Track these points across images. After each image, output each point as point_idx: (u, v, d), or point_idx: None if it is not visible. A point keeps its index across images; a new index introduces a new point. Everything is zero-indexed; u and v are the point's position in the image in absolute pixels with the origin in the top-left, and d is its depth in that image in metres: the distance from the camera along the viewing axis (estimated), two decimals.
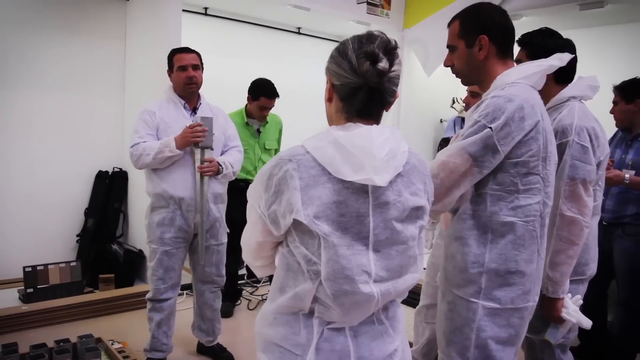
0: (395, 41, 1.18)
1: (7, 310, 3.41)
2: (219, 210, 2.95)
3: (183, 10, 4.15)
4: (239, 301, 4.05)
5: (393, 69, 1.15)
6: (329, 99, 1.23)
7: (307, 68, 5.61)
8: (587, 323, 1.82)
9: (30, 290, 3.68)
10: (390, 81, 1.17)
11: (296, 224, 1.13)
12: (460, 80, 1.72)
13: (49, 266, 3.79)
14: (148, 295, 2.89)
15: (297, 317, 1.20)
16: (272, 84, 3.74)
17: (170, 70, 2.87)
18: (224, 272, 3.06)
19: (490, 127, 1.49)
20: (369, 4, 5.07)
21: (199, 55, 2.89)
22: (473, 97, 2.57)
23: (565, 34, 2.01)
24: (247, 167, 3.73)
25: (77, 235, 4.44)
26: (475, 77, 1.67)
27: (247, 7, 4.94)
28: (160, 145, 2.68)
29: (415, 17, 5.36)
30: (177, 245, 2.84)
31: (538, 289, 1.64)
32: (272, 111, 3.88)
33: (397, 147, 1.17)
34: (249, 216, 1.26)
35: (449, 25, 1.69)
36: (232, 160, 2.91)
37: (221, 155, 2.93)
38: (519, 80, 1.57)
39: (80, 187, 4.46)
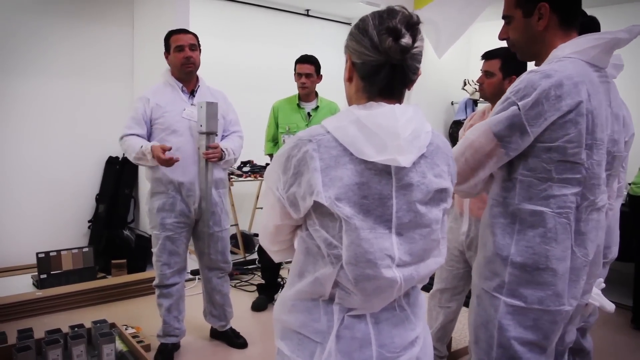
0: (417, 16, 1.14)
1: (21, 296, 3.43)
2: (219, 195, 2.92)
3: None
4: (275, 299, 3.85)
5: (416, 44, 1.11)
6: (348, 79, 1.19)
7: (316, 50, 5.52)
8: (610, 307, 1.78)
9: (43, 276, 3.70)
10: (413, 58, 1.12)
11: (316, 206, 1.09)
12: (517, 55, 1.55)
13: (62, 252, 3.80)
14: (155, 282, 2.88)
15: (317, 303, 1.17)
16: (307, 54, 3.67)
17: (167, 52, 2.81)
18: (229, 258, 3.05)
19: (518, 105, 1.36)
20: None
21: (196, 36, 2.84)
22: (487, 77, 2.50)
23: None
24: None
25: (89, 221, 4.45)
26: (533, 51, 1.49)
27: None
28: (139, 151, 2.63)
29: None
30: (179, 229, 2.82)
31: (576, 292, 1.45)
32: (331, 97, 3.86)
33: (421, 127, 1.13)
34: (266, 200, 1.23)
35: None
36: (234, 147, 2.88)
37: (221, 140, 2.90)
38: (571, 55, 1.40)
39: (91, 173, 4.47)
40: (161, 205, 2.78)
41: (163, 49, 2.86)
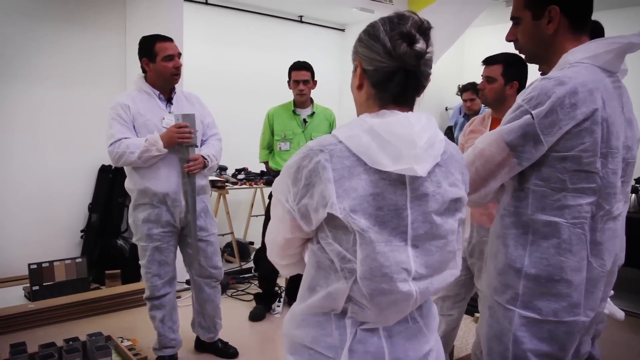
0: (428, 21, 1.11)
1: (13, 308, 3.36)
2: (203, 201, 2.86)
3: (184, 0, 4.07)
4: (273, 308, 3.83)
5: (428, 50, 1.08)
6: (358, 86, 1.15)
7: (309, 56, 5.51)
8: (619, 314, 1.76)
9: (36, 287, 3.62)
10: (426, 64, 1.10)
11: (329, 218, 1.06)
12: (524, 58, 1.51)
13: (54, 263, 3.73)
14: (145, 295, 2.82)
15: (328, 317, 1.13)
16: (300, 61, 3.65)
17: (149, 60, 2.67)
18: (220, 264, 2.97)
19: (532, 114, 1.31)
20: None
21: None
22: (489, 83, 2.49)
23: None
24: (291, 155, 3.64)
25: (82, 231, 4.38)
26: (541, 54, 1.45)
27: None
28: (147, 143, 2.56)
29: (420, 4, 5.25)
30: (167, 238, 2.76)
31: (593, 303, 1.41)
32: (325, 104, 3.85)
33: (435, 135, 1.10)
34: (274, 211, 1.19)
35: None
36: (215, 152, 2.82)
37: (201, 145, 2.84)
38: (583, 60, 1.35)
39: (83, 181, 4.40)
40: (146, 217, 2.71)
41: None
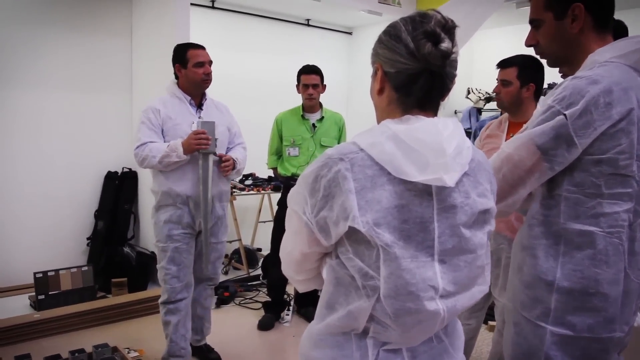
0: (452, 19, 1.04)
1: (19, 318, 3.30)
2: (223, 209, 2.90)
3: (190, 4, 4.01)
4: (282, 317, 3.75)
5: (454, 49, 1.01)
6: (379, 90, 1.08)
7: (317, 60, 5.46)
8: None
9: (41, 296, 3.57)
10: (452, 64, 1.03)
11: (350, 232, 0.99)
12: (547, 62, 1.45)
13: (60, 271, 3.68)
14: (162, 299, 2.80)
15: (348, 337, 1.06)
16: (310, 64, 3.60)
17: (181, 66, 2.75)
18: (219, 270, 3.05)
19: (565, 114, 1.23)
20: None
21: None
22: (504, 86, 2.42)
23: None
24: (300, 161, 3.61)
25: (88, 239, 4.33)
26: (566, 56, 1.38)
27: None
28: (168, 149, 2.61)
29: (428, 6, 5.20)
30: (186, 240, 2.77)
31: (629, 317, 1.33)
32: (332, 108, 3.80)
33: (463, 142, 1.03)
34: (290, 224, 1.12)
35: None
36: (241, 157, 2.89)
37: (227, 152, 2.88)
38: (613, 59, 1.28)
39: (89, 188, 4.35)
40: (168, 218, 2.73)
41: (162, 60, 2.82)
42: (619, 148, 1.23)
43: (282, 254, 1.17)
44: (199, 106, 2.82)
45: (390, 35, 1.04)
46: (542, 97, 2.46)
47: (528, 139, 1.29)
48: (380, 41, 1.08)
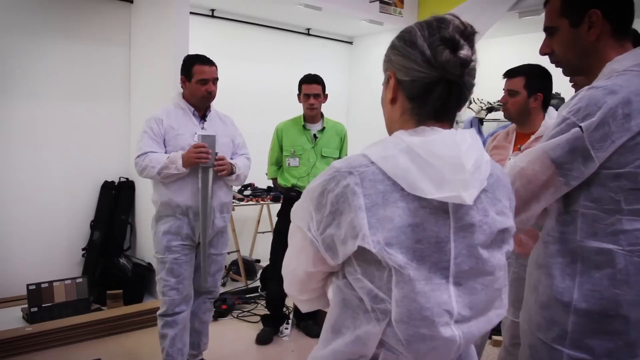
0: (471, 25, 0.97)
1: (10, 332, 3.20)
2: (224, 220, 2.87)
3: (190, 13, 3.96)
4: (281, 331, 3.66)
5: (473, 57, 0.95)
6: (392, 100, 1.01)
7: (317, 70, 5.42)
8: None
9: (34, 309, 3.48)
10: (470, 73, 0.97)
11: (359, 252, 0.91)
12: (562, 71, 1.39)
13: (54, 283, 3.59)
14: (160, 311, 2.73)
15: None
16: (312, 74, 3.54)
17: (186, 78, 2.72)
18: (219, 283, 3.00)
19: (581, 127, 1.17)
20: (381, 2, 4.87)
21: (216, 66, 2.77)
22: (511, 97, 2.36)
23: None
24: (300, 172, 3.53)
25: (83, 249, 4.24)
26: (582, 65, 1.32)
27: (256, 8, 4.75)
28: (167, 160, 2.59)
29: (430, 15, 5.16)
30: (185, 251, 2.73)
31: None
32: (332, 118, 3.74)
33: (482, 156, 0.96)
34: (293, 240, 1.04)
35: (546, 3, 1.35)
36: (242, 164, 2.85)
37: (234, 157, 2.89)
38: (633, 68, 1.21)
39: (86, 198, 4.26)
40: (167, 229, 2.69)
41: (161, 69, 2.78)
42: (639, 162, 1.16)
43: (285, 272, 1.10)
44: (203, 117, 2.78)
45: (404, 41, 0.98)
46: (550, 108, 2.41)
47: (542, 152, 1.23)
48: (393, 47, 1.01)
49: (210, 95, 2.73)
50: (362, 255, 0.92)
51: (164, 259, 2.69)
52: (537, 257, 1.34)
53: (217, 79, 2.75)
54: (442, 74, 0.93)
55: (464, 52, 0.93)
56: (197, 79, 2.68)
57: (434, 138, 0.93)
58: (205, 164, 2.62)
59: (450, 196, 0.89)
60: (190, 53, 3.79)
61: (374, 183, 0.91)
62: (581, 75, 1.38)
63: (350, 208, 0.90)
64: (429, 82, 0.95)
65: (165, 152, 2.67)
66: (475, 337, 0.97)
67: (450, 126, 1.00)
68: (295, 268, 1.05)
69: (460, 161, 0.90)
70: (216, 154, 2.67)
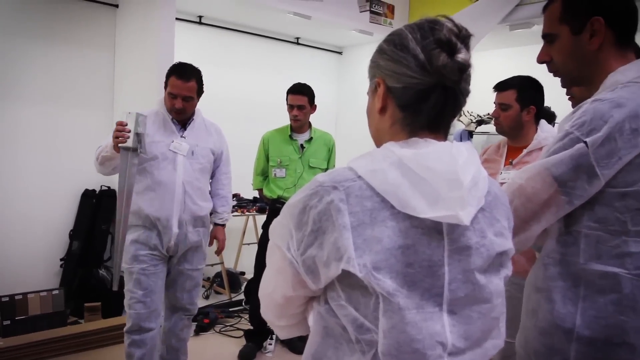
0: (466, 28, 0.90)
1: None
2: (198, 235, 2.72)
3: (176, 19, 3.88)
4: (264, 347, 3.55)
5: (470, 61, 0.88)
6: (381, 109, 0.93)
7: (306, 79, 5.35)
8: None
9: (7, 322, 3.34)
10: (467, 79, 0.89)
11: (343, 275, 0.83)
12: (560, 81, 1.33)
13: (29, 295, 3.46)
14: (127, 327, 2.61)
15: None
16: (300, 83, 3.46)
17: (165, 86, 2.62)
18: (196, 300, 2.86)
19: (585, 142, 1.10)
20: (372, 12, 4.83)
21: (198, 81, 2.61)
22: (503, 110, 2.29)
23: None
24: (287, 183, 3.44)
25: (61, 260, 4.10)
26: (582, 75, 1.25)
27: (244, 16, 4.69)
28: (104, 144, 2.51)
29: None
30: (154, 262, 2.60)
31: None
32: (321, 128, 3.67)
33: (479, 172, 0.88)
34: (271, 260, 0.95)
35: (545, 8, 1.28)
36: (228, 205, 2.96)
37: (212, 177, 2.85)
38: (637, 80, 1.15)
39: (65, 206, 4.13)
40: (135, 238, 2.58)
41: (146, 75, 2.73)
42: None
43: (262, 294, 1.01)
44: (184, 125, 2.67)
45: (394, 45, 0.90)
46: (542, 121, 2.35)
47: (543, 168, 1.15)
48: (381, 51, 0.93)
49: (179, 112, 2.59)
50: (347, 280, 0.83)
51: (131, 269, 2.58)
52: (536, 280, 1.26)
53: (190, 97, 2.58)
54: (437, 79, 0.86)
55: (462, 55, 0.86)
56: (169, 91, 2.57)
57: (427, 150, 0.85)
58: (124, 145, 2.37)
59: (446, 215, 0.81)
60: (175, 60, 3.72)
61: (361, 200, 0.82)
62: (580, 85, 1.33)
63: (334, 227, 0.82)
64: (423, 89, 0.87)
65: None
66: None
67: (445, 138, 0.92)
68: (273, 291, 0.96)
69: (456, 176, 0.82)
70: (141, 135, 2.39)
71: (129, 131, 2.37)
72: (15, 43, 3.77)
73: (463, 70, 0.86)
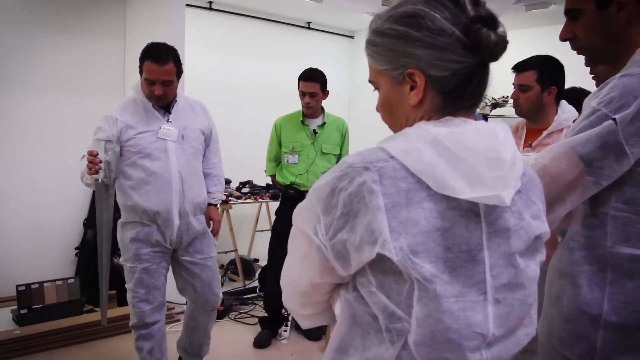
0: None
1: None
2: (200, 222, 2.64)
3: (186, 5, 3.85)
4: (279, 334, 3.55)
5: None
6: (419, 102, 0.85)
7: (317, 64, 5.30)
8: None
9: (24, 311, 3.35)
10: None
11: (376, 260, 0.78)
12: (585, 59, 1.26)
13: (45, 284, 3.47)
14: (132, 322, 2.59)
15: None
16: (312, 69, 3.38)
17: (140, 71, 2.42)
18: (218, 289, 2.73)
19: (614, 119, 1.04)
20: None
21: (176, 61, 2.42)
22: (523, 92, 2.23)
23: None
24: (299, 169, 3.39)
25: (76, 249, 4.12)
26: (609, 51, 1.19)
27: (255, 1, 4.63)
28: (83, 168, 2.36)
29: None
30: (157, 260, 2.54)
31: None
32: (339, 113, 3.64)
33: (515, 152, 0.83)
34: (295, 247, 0.91)
35: None
36: (220, 186, 2.84)
37: (204, 158, 2.71)
38: None
39: (79, 195, 4.13)
40: (135, 235, 2.50)
41: None
42: None
43: (284, 282, 0.96)
44: (167, 109, 2.51)
45: (428, 29, 0.80)
46: (563, 101, 2.28)
47: (568, 148, 1.09)
48: (406, 37, 0.82)
49: (159, 98, 2.41)
50: (380, 265, 0.79)
51: (133, 269, 2.51)
52: (560, 265, 1.21)
53: (168, 81, 2.38)
54: (482, 57, 0.81)
55: (502, 29, 0.81)
56: (145, 77, 2.37)
57: (466, 128, 0.80)
58: (96, 176, 2.27)
59: (488, 196, 0.76)
60: (185, 47, 3.69)
61: (395, 180, 0.77)
62: (606, 63, 1.26)
63: (367, 209, 0.77)
64: (469, 72, 0.82)
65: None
66: None
67: (474, 115, 0.88)
68: (297, 278, 0.92)
69: (499, 154, 0.77)
70: (109, 162, 2.29)
71: (100, 161, 2.29)
72: (27, 34, 3.76)
73: (506, 44, 0.82)
